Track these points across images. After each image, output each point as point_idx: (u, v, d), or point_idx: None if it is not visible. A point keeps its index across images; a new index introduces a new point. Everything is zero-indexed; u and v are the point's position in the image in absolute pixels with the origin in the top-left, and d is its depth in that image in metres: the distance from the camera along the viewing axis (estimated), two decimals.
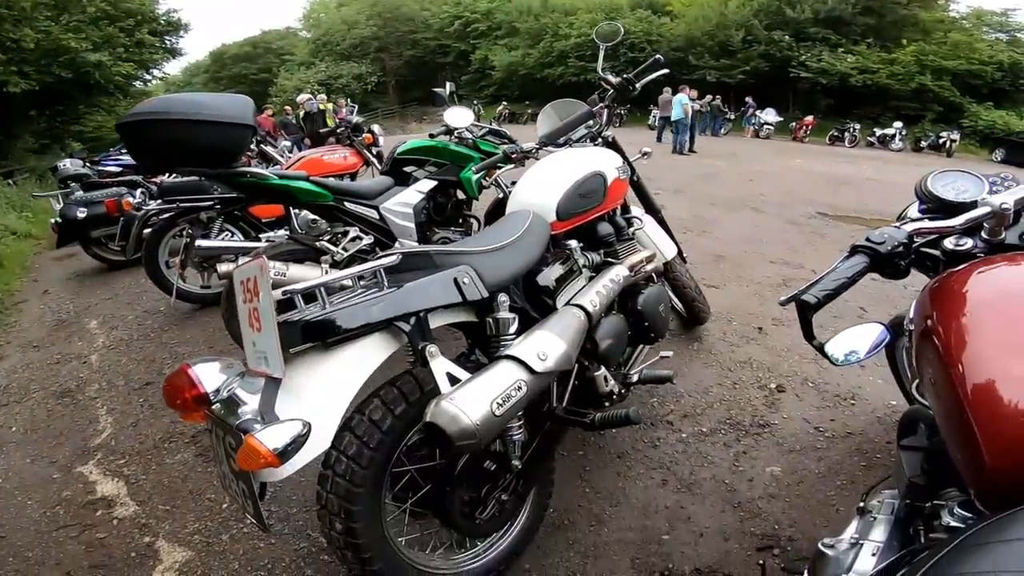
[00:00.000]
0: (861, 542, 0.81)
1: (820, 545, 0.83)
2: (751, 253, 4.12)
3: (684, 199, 6.32)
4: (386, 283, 1.10)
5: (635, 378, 1.66)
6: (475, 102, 23.52)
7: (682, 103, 11.45)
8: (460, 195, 2.76)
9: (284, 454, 0.87)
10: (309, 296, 1.03)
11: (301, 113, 8.37)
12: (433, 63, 31.48)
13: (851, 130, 16.30)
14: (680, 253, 2.34)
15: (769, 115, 17.21)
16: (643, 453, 1.88)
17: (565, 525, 1.59)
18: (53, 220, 4.21)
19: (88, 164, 6.06)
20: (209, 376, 0.94)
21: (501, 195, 2.79)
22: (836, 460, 1.82)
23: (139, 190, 4.16)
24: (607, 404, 1.55)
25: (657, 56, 2.19)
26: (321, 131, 4.49)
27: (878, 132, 16.38)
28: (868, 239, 1.07)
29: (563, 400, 1.42)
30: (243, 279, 0.95)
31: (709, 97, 16.97)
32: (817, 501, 1.64)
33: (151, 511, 1.76)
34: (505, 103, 25.07)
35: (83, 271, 4.53)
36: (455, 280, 1.17)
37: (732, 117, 18.19)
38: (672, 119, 11.79)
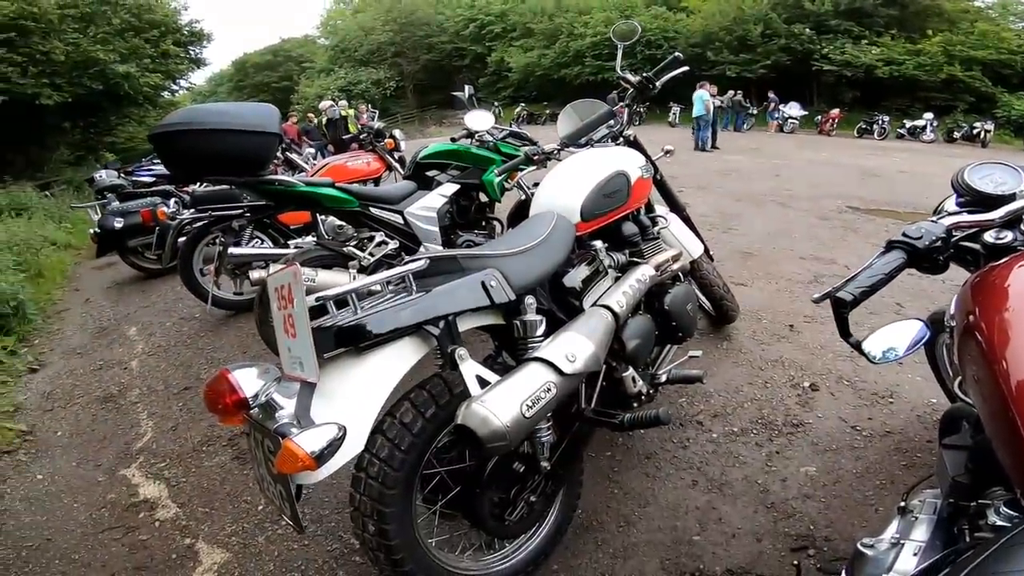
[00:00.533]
0: (902, 542, 0.80)
1: (859, 545, 0.82)
2: (779, 249, 4.04)
3: (708, 196, 6.23)
4: (414, 288, 1.12)
5: (664, 378, 1.65)
6: (495, 104, 23.53)
7: (702, 99, 11.34)
8: (483, 198, 2.78)
9: (321, 457, 0.89)
10: (341, 302, 1.05)
11: (324, 120, 8.54)
12: (450, 66, 31.59)
13: (880, 122, 15.83)
14: (707, 251, 2.31)
15: (793, 109, 16.83)
16: (672, 453, 1.86)
17: (594, 526, 1.59)
18: (92, 230, 4.39)
19: (123, 175, 6.28)
20: (248, 381, 0.97)
21: (523, 197, 2.80)
22: (874, 460, 1.77)
23: (172, 200, 4.31)
24: (636, 405, 1.54)
25: (676, 54, 2.18)
26: (344, 137, 4.58)
27: (908, 124, 15.87)
28: (905, 234, 1.05)
29: (591, 401, 1.42)
30: (277, 286, 0.98)
31: (731, 92, 16.68)
32: (855, 501, 1.61)
33: (191, 513, 1.81)
34: (523, 104, 25.04)
35: (122, 280, 4.70)
36: (482, 283, 1.18)
37: (754, 112, 17.84)
38: (693, 115, 11.69)
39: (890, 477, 1.69)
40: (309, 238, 2.74)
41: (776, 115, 17.21)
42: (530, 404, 1.03)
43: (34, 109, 11.78)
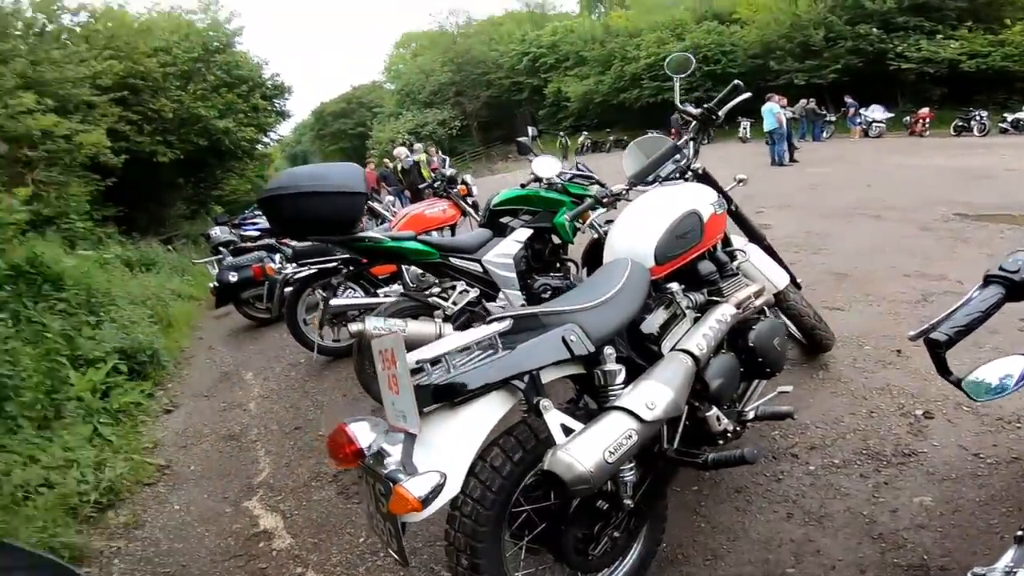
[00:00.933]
0: (1016, 570, 0.77)
1: (970, 574, 0.78)
2: (878, 268, 3.73)
3: (791, 214, 5.90)
4: (500, 346, 1.23)
5: (751, 415, 1.62)
6: (560, 135, 23.68)
7: (772, 112, 10.78)
8: (556, 240, 2.83)
9: (426, 501, 1.02)
10: (436, 361, 1.18)
11: (399, 166, 9.05)
12: (509, 101, 32.45)
13: (978, 118, 14.18)
14: (793, 280, 2.22)
15: (876, 112, 15.64)
16: (765, 487, 1.80)
17: (679, 560, 1.57)
18: (211, 284, 4.97)
19: (232, 230, 7.09)
20: (362, 433, 1.12)
21: (596, 236, 2.82)
22: (1000, 487, 1.62)
23: (278, 255, 4.78)
24: (721, 442, 1.53)
25: (736, 82, 2.14)
26: (420, 186, 4.92)
27: (1010, 117, 14.13)
28: (1001, 268, 1.02)
29: (674, 441, 1.43)
30: (381, 349, 1.12)
31: (803, 101, 15.83)
32: (977, 530, 1.48)
33: (302, 543, 1.99)
34: (586, 133, 25.01)
35: (237, 328, 5.24)
36: (563, 339, 1.26)
37: (833, 119, 16.78)
38: (764, 130, 11.16)
39: (1018, 504, 1.54)
40: (395, 286, 2.94)
41: (858, 120, 16.05)
42: (612, 450, 1.10)
43: (152, 167, 12.36)
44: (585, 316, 1.32)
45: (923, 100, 16.71)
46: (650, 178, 2.04)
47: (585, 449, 1.08)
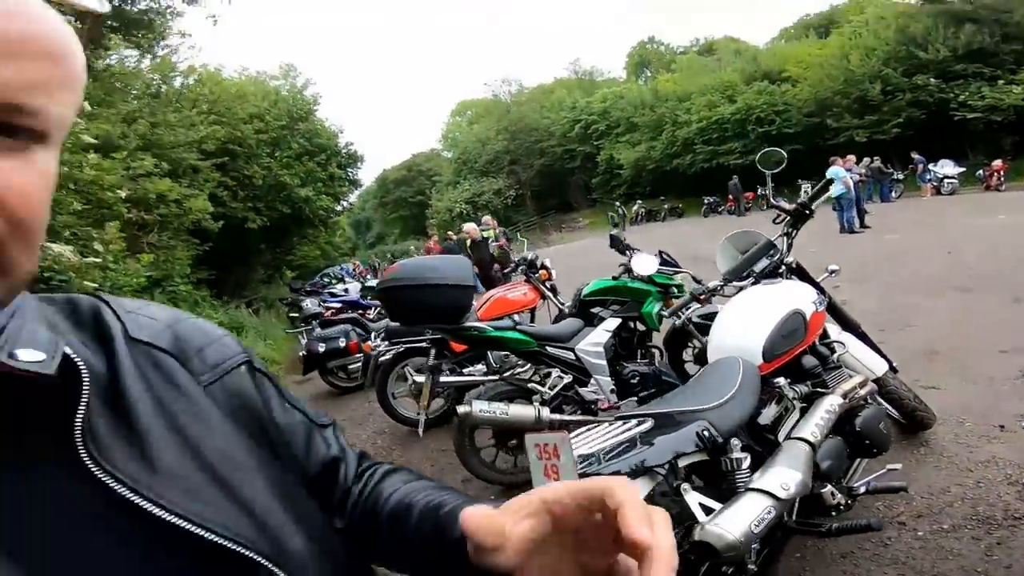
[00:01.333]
0: None
1: None
2: (971, 343, 3.58)
3: (870, 288, 5.63)
4: (639, 441, 1.39)
5: (862, 490, 1.72)
6: (617, 204, 23.19)
7: (839, 177, 10.20)
8: (642, 327, 2.95)
9: None
10: (588, 456, 1.34)
11: (468, 240, 9.30)
12: (562, 169, 32.90)
13: None
14: (891, 365, 2.27)
15: (946, 167, 15.03)
16: (872, 552, 1.88)
17: None
18: (301, 353, 5.33)
19: (316, 300, 7.63)
20: None
21: (678, 322, 2.88)
22: None
23: (372, 332, 5.11)
24: (834, 514, 1.63)
25: (829, 177, 2.28)
26: (505, 271, 5.12)
27: None
28: None
29: (792, 513, 1.57)
30: (541, 443, 1.27)
31: (867, 160, 15.35)
32: None
33: None
34: (640, 202, 24.68)
35: (318, 394, 5.50)
36: (697, 433, 1.43)
37: (900, 177, 16.18)
38: (832, 195, 10.78)
39: None
40: (479, 366, 3.12)
41: (928, 177, 15.45)
42: (756, 523, 1.28)
43: (241, 232, 12.48)
44: (713, 414, 1.49)
45: (994, 151, 15.98)
46: (744, 273, 2.16)
47: (733, 522, 1.26)
